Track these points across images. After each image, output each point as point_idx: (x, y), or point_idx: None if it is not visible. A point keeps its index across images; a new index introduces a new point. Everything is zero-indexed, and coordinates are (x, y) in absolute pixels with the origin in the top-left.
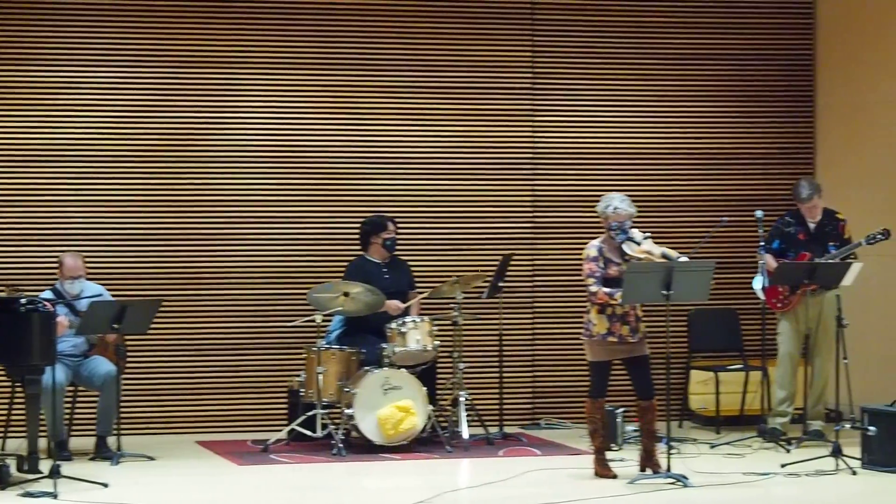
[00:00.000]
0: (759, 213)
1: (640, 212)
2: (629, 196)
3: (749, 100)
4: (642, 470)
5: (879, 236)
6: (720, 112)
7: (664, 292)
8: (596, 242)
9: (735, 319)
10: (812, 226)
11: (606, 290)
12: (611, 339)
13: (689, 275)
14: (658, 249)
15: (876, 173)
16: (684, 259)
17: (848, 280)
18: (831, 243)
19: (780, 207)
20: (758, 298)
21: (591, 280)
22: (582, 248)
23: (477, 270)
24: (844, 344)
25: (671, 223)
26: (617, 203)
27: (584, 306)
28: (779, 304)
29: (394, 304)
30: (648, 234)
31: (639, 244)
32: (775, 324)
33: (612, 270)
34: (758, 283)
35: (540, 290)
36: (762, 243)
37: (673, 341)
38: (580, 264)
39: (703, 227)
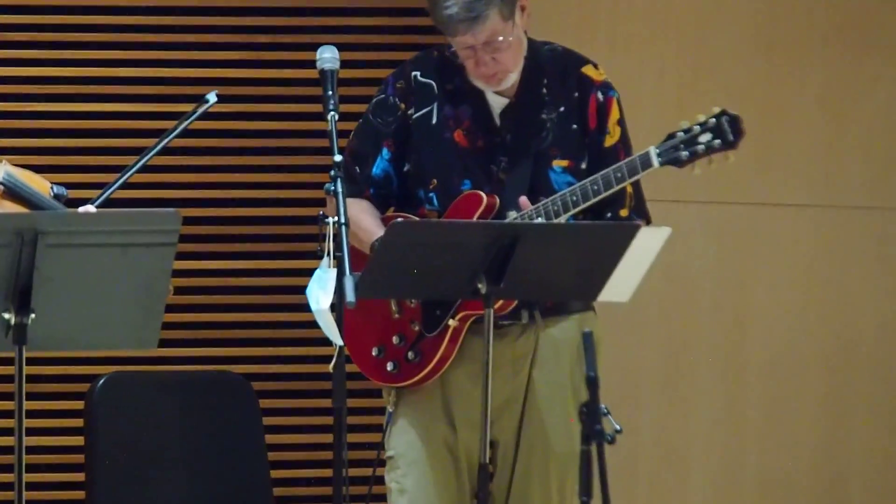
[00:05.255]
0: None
1: None
2: None
3: None
4: None
5: (707, 139)
6: None
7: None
8: None
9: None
10: (498, 103)
11: None
12: None
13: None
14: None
15: None
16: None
17: (625, 282)
18: (560, 164)
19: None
20: (328, 343)
21: None
22: None
23: None
24: (606, 477)
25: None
26: None
27: None
28: (390, 367)
29: None
30: None
31: None
32: (380, 426)
33: None
34: (319, 291)
35: None
36: (337, 158)
37: None
38: None
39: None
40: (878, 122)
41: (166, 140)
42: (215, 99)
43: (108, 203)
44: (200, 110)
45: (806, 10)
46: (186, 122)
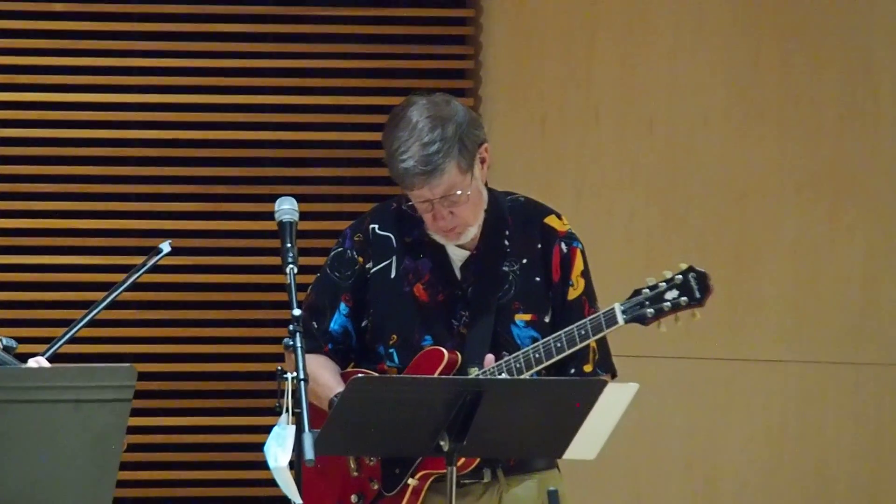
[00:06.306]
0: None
1: None
2: None
3: None
4: None
5: (673, 296)
6: None
7: None
8: None
9: None
10: (458, 255)
11: None
12: None
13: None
14: None
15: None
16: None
17: (592, 439)
18: (523, 318)
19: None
20: (287, 501)
21: None
22: None
23: None
24: None
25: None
26: None
27: None
28: None
29: None
30: None
31: None
32: None
33: None
34: (278, 448)
35: None
36: (296, 313)
37: None
38: None
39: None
40: (852, 274)
41: (119, 290)
42: (168, 249)
43: (59, 358)
44: (153, 261)
45: (779, 159)
46: (138, 273)
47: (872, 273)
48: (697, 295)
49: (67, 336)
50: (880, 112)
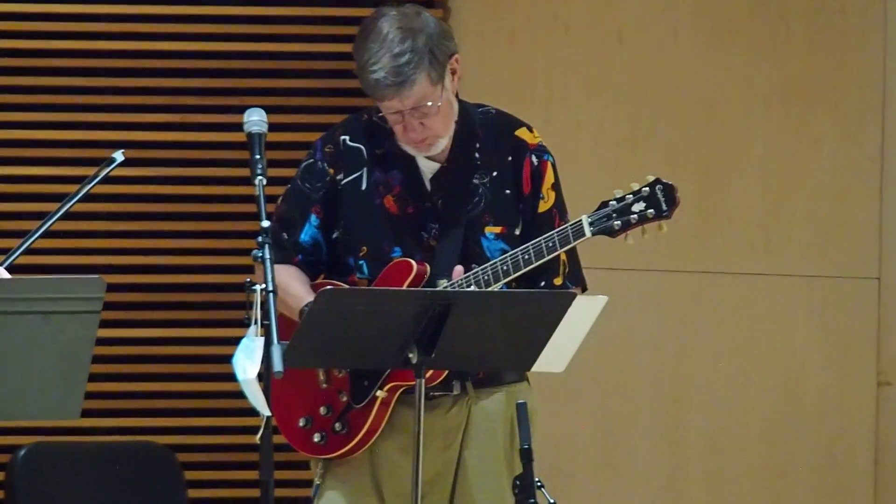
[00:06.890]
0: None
1: None
2: None
3: None
4: None
5: (640, 208)
6: None
7: None
8: None
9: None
10: (428, 168)
11: None
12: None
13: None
14: None
15: None
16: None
17: (561, 352)
18: (493, 231)
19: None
20: (255, 413)
21: None
22: None
23: None
24: None
25: None
26: None
27: None
28: (318, 439)
29: None
30: None
31: None
32: (308, 500)
33: None
34: (246, 360)
35: None
36: (265, 224)
37: None
38: None
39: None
40: (821, 185)
41: (73, 201)
42: (122, 158)
43: (20, 269)
44: (105, 171)
45: (747, 72)
46: (91, 184)
47: (841, 185)
48: (664, 207)
49: (23, 247)
50: (848, 24)
